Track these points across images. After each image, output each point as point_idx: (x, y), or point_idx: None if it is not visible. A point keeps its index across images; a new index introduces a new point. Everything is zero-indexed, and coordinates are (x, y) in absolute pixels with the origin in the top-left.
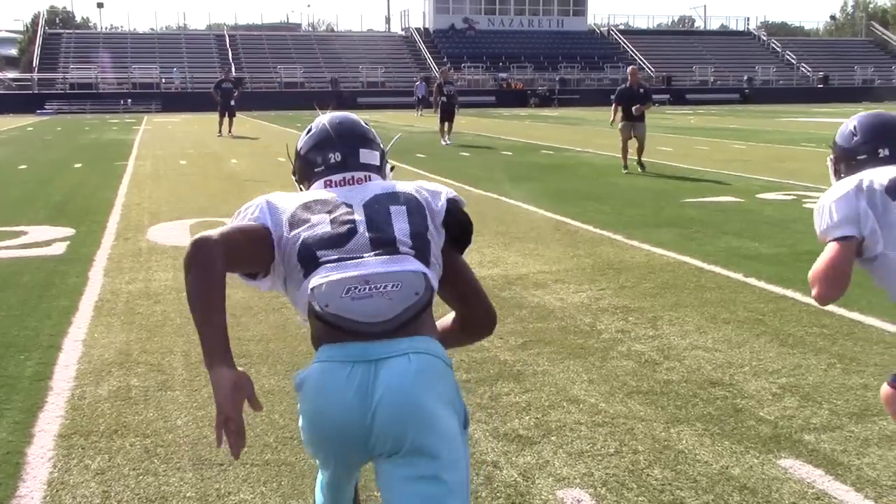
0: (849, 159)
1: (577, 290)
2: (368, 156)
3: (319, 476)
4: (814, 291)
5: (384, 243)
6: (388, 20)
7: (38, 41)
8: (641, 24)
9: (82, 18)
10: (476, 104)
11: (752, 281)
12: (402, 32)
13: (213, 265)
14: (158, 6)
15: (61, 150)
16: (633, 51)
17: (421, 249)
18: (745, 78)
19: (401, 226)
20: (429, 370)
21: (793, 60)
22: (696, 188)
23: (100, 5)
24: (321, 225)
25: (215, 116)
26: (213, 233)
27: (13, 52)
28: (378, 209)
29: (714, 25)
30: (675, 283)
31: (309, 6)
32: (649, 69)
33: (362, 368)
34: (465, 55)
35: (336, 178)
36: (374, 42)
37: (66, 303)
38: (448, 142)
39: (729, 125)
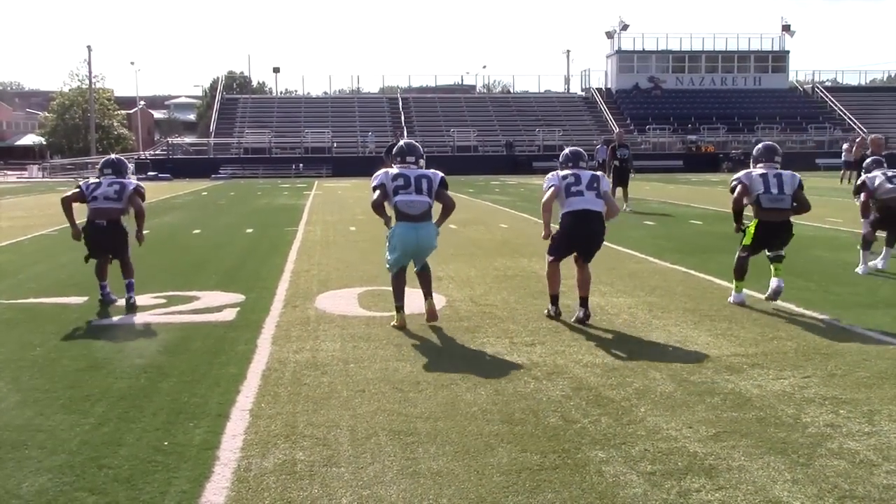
0: (561, 165)
1: (777, 376)
2: (411, 158)
3: (388, 255)
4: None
5: (418, 190)
6: (567, 80)
7: (216, 106)
8: (851, 80)
9: (258, 83)
10: (661, 168)
11: None
12: (583, 93)
13: (378, 209)
14: (333, 70)
15: (234, 215)
16: (841, 110)
17: (429, 193)
18: None
19: (424, 185)
20: (432, 230)
21: None
22: None
23: (276, 70)
24: (399, 182)
25: None
26: (374, 200)
27: (191, 117)
28: (417, 179)
29: None
30: None
31: (485, 67)
32: (861, 130)
33: (414, 228)
34: (650, 116)
35: (402, 164)
36: (552, 103)
37: (234, 370)
38: (627, 208)
39: None
